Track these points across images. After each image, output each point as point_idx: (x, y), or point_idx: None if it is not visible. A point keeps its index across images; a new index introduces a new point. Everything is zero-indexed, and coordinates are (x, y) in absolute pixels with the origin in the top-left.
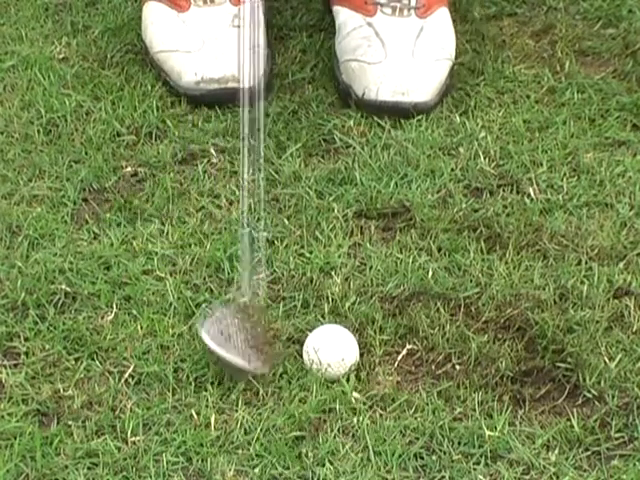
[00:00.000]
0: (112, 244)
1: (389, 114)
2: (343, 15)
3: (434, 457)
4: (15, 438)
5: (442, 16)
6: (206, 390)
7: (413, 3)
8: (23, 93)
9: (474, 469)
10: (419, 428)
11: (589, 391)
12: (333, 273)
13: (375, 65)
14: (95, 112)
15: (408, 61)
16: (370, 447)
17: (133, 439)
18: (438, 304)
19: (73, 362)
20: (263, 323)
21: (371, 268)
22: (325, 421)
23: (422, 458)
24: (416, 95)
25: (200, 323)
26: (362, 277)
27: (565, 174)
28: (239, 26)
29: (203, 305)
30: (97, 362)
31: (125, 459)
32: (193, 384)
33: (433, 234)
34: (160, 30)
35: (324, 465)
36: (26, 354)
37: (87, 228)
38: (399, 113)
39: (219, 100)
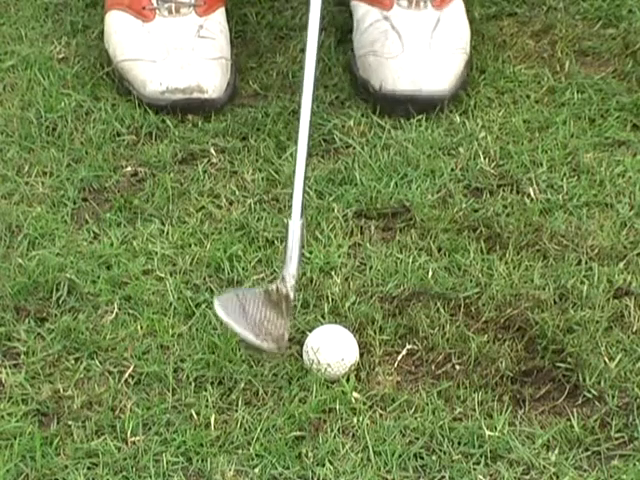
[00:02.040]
0: (112, 244)
1: (407, 106)
2: (361, 10)
3: (434, 457)
4: (15, 438)
5: (457, 7)
6: (206, 390)
7: None
8: (23, 93)
9: (474, 469)
10: (419, 428)
11: (589, 391)
12: (333, 273)
13: (392, 59)
14: (95, 112)
15: (425, 53)
16: (370, 447)
17: (133, 439)
18: (438, 304)
19: (73, 362)
20: (284, 314)
21: (371, 268)
22: (325, 421)
23: (422, 458)
24: (434, 87)
25: (218, 296)
26: (362, 277)
27: (565, 174)
28: (205, 37)
29: (203, 305)
30: (97, 362)
31: (125, 459)
32: (193, 384)
33: (433, 234)
34: (124, 39)
35: (324, 465)
36: (26, 354)
37: (87, 228)
38: (416, 105)
39: (183, 110)
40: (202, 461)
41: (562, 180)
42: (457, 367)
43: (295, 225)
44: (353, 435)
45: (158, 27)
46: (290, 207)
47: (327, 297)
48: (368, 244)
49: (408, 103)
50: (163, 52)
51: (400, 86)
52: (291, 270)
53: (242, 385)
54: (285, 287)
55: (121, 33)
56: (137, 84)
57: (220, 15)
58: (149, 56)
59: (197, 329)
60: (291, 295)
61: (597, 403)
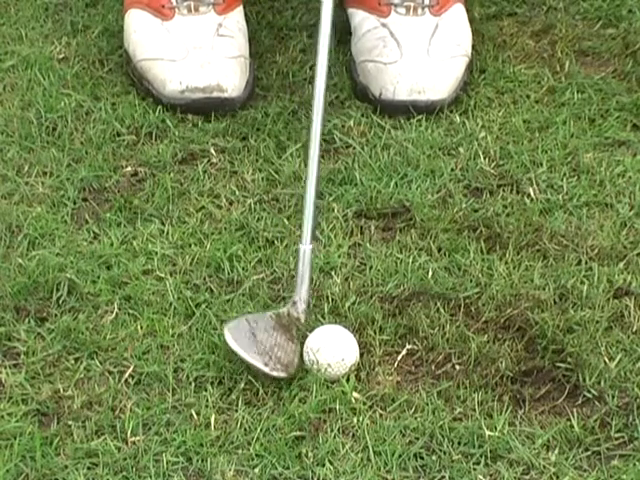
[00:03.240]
0: (112, 244)
1: (407, 113)
2: (358, 17)
3: (434, 457)
4: (15, 438)
5: (457, 12)
6: (206, 390)
7: (427, 1)
8: (23, 93)
9: (474, 469)
10: (419, 428)
11: (589, 391)
12: (333, 273)
13: (391, 65)
14: (95, 112)
15: (423, 60)
16: (370, 447)
17: (133, 439)
18: (438, 304)
19: (73, 362)
20: (294, 339)
21: (371, 268)
22: (325, 421)
23: (422, 458)
24: (432, 93)
25: (227, 322)
26: (362, 277)
27: (565, 174)
28: (224, 35)
29: (203, 305)
30: (97, 362)
31: (125, 459)
32: (193, 384)
33: (433, 234)
34: (143, 38)
35: (324, 465)
36: (26, 354)
37: (87, 228)
38: (416, 112)
39: (203, 109)
40: (202, 461)
41: (562, 180)
42: (457, 367)
43: (306, 249)
44: (353, 435)
45: (177, 26)
46: (289, 207)
47: (327, 297)
48: (368, 244)
49: (408, 111)
50: (183, 51)
51: (399, 93)
52: (302, 294)
53: (242, 385)
54: (296, 311)
55: (140, 32)
56: (157, 83)
57: (239, 14)
58: (169, 55)
59: (197, 329)
60: (302, 319)
61: (597, 403)
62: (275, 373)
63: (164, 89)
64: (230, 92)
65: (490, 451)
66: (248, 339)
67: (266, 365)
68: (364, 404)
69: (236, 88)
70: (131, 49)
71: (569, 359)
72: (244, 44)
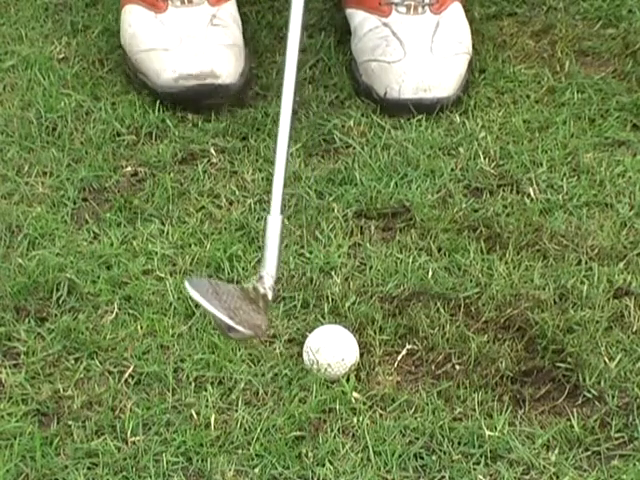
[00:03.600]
0: (112, 244)
1: (413, 111)
2: (358, 17)
3: (434, 457)
4: (15, 438)
5: (456, 11)
6: (206, 390)
7: (427, 0)
8: (23, 93)
9: (474, 469)
10: (419, 428)
11: (589, 391)
12: (333, 273)
13: (395, 64)
14: (95, 112)
15: (427, 57)
16: (370, 447)
17: (133, 439)
18: (438, 304)
19: (73, 362)
20: (261, 311)
21: (371, 268)
22: (325, 421)
23: (422, 458)
24: (438, 91)
25: (188, 278)
26: (362, 277)
27: (565, 174)
28: (218, 25)
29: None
30: (97, 362)
31: (125, 459)
32: (193, 384)
33: (433, 234)
34: (138, 31)
35: (324, 465)
36: (26, 354)
37: (87, 228)
38: (422, 110)
39: (197, 96)
40: (202, 461)
41: (562, 180)
42: (457, 367)
43: (274, 221)
44: (353, 435)
45: (171, 17)
46: (289, 207)
47: (327, 297)
48: (368, 244)
49: (413, 108)
50: (176, 40)
51: (405, 92)
52: (269, 269)
53: (242, 385)
54: (263, 287)
55: (135, 26)
56: (151, 74)
57: (232, 5)
58: (162, 45)
59: (197, 329)
60: (269, 296)
61: (597, 403)
62: (241, 327)
63: (158, 78)
64: (224, 78)
65: (490, 451)
66: (211, 296)
67: (231, 319)
68: (364, 404)
69: (230, 75)
70: (127, 44)
71: (569, 359)
72: (238, 35)
